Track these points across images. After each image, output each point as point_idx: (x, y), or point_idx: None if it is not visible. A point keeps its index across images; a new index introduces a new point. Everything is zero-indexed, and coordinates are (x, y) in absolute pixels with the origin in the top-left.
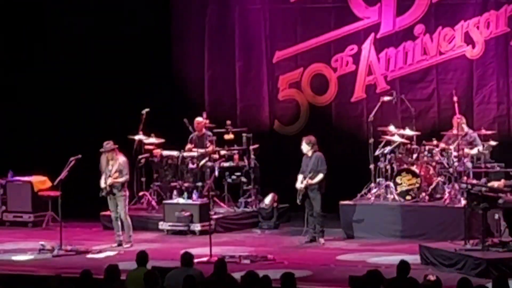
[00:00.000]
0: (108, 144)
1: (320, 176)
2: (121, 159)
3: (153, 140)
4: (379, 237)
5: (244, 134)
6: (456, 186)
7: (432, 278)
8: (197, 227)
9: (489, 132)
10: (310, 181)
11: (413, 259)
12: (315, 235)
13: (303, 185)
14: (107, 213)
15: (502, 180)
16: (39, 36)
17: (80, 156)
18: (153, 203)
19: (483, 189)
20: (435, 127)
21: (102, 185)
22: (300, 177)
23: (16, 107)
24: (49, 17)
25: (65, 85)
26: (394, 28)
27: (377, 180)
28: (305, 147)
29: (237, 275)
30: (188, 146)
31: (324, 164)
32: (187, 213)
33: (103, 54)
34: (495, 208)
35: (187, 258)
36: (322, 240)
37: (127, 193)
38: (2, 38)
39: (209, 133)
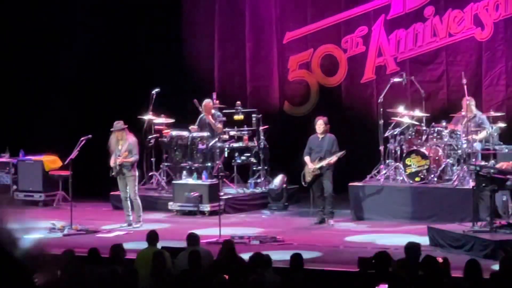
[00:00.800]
0: (118, 124)
1: (336, 157)
2: (131, 139)
3: (162, 120)
4: (388, 219)
5: (254, 115)
6: (465, 168)
7: (440, 259)
8: (206, 207)
9: (497, 114)
10: (331, 162)
11: (422, 240)
12: (324, 217)
13: (318, 166)
14: (117, 193)
15: (511, 162)
16: (56, 22)
17: (90, 136)
18: (163, 183)
19: (492, 171)
20: (445, 109)
21: (112, 164)
22: (307, 158)
23: (27, 87)
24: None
25: (76, 66)
26: (404, 10)
27: (387, 161)
28: (321, 127)
29: (246, 256)
30: (192, 126)
31: (337, 145)
32: (197, 194)
33: (114, 35)
34: (504, 189)
35: (192, 239)
36: (331, 222)
37: (137, 173)
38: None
39: (219, 113)
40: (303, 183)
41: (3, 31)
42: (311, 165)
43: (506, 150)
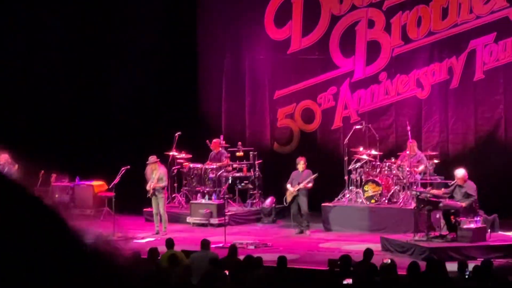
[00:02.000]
0: (153, 158)
1: (311, 184)
2: (162, 169)
3: (183, 155)
4: (351, 230)
5: (251, 152)
6: (408, 193)
7: (389, 261)
8: (215, 221)
9: (433, 153)
10: (306, 185)
11: (376, 247)
12: (302, 229)
13: (296, 188)
14: (149, 209)
15: (442, 189)
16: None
17: (129, 166)
18: (183, 202)
19: (428, 195)
20: (393, 149)
21: (148, 188)
22: (289, 185)
23: (84, 125)
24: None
25: (119, 115)
26: (364, 75)
27: (350, 187)
28: (301, 166)
29: (243, 257)
30: (207, 162)
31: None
32: (208, 211)
33: (152, 95)
34: (437, 209)
35: (205, 243)
36: (308, 232)
37: (166, 195)
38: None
39: (225, 151)
40: (285, 203)
41: (63, 68)
42: (291, 188)
43: (439, 180)
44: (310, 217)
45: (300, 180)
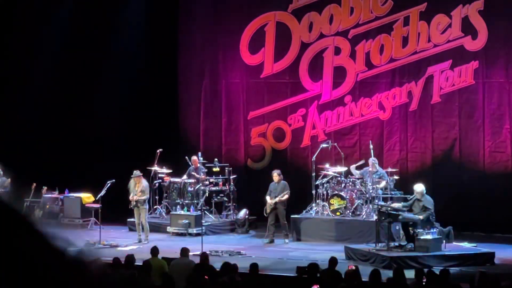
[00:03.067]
0: (137, 172)
1: (286, 196)
2: (144, 182)
3: (164, 170)
4: (318, 240)
5: (226, 168)
6: (370, 206)
7: (353, 268)
8: (193, 231)
9: (393, 170)
10: (281, 199)
11: (340, 255)
12: (274, 238)
13: (273, 201)
14: (132, 219)
15: (401, 203)
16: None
17: (114, 180)
18: (163, 214)
19: (388, 208)
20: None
21: (131, 199)
22: (268, 197)
23: (73, 142)
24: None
25: (105, 132)
26: (331, 98)
27: (317, 201)
28: (276, 177)
29: (218, 264)
30: (184, 177)
31: (288, 188)
32: (187, 221)
33: (135, 114)
34: (397, 221)
35: (184, 251)
36: (287, 240)
37: (147, 206)
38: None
39: (202, 167)
40: (264, 213)
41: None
42: (270, 201)
43: (399, 195)
44: (287, 226)
45: (276, 193)
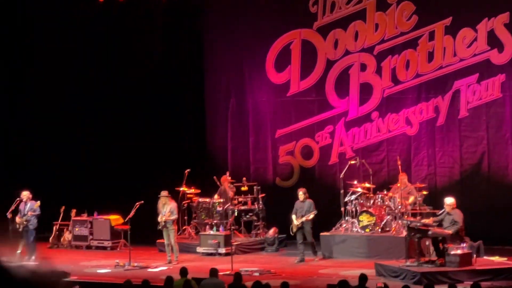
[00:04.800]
0: (164, 193)
1: (312, 215)
2: (173, 203)
3: (192, 190)
4: (347, 257)
5: (255, 187)
6: (400, 222)
7: (382, 285)
8: (222, 250)
9: (422, 185)
10: (308, 218)
11: (370, 272)
12: (304, 257)
13: (300, 221)
14: (162, 240)
15: (431, 218)
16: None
17: (142, 201)
18: (193, 234)
19: (418, 224)
20: (385, 182)
21: (159, 220)
22: (293, 216)
23: (101, 169)
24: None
25: (134, 155)
26: (358, 114)
27: (346, 218)
28: (301, 196)
29: (249, 283)
30: (215, 196)
31: (314, 207)
32: (216, 241)
33: (163, 135)
34: (426, 237)
35: (213, 272)
36: (316, 258)
37: (176, 227)
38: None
39: (231, 185)
40: (291, 233)
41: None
42: (295, 221)
43: (428, 210)
44: (315, 245)
45: (302, 212)
